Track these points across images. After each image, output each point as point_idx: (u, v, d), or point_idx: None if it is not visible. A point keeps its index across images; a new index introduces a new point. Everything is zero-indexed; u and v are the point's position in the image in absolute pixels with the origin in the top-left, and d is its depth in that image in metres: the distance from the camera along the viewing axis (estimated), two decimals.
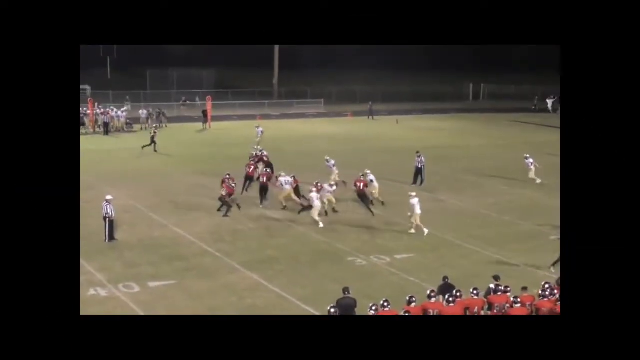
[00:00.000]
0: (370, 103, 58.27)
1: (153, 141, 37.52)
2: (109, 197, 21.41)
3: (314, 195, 23.76)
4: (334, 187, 25.30)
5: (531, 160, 31.39)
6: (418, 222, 22.72)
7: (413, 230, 22.81)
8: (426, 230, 22.61)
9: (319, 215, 23.61)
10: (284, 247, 21.29)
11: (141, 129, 46.95)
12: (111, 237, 21.17)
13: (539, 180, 30.82)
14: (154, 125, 42.17)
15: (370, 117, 56.87)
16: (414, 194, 23.37)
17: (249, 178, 27.54)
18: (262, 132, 40.13)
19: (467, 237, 22.57)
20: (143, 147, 37.48)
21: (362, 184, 25.52)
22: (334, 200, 25.07)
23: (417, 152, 30.71)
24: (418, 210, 22.72)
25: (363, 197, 25.38)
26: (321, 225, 23.15)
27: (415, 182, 29.88)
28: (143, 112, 48.54)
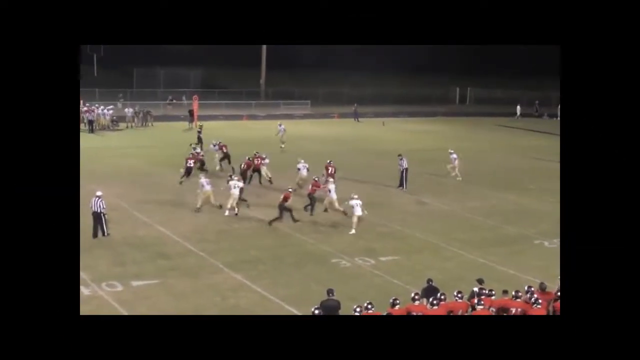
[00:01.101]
0: (355, 105, 58.44)
1: (200, 140, 36.81)
2: (99, 193, 21.35)
3: (330, 185, 24.67)
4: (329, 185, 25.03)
5: (455, 156, 32.19)
6: (355, 220, 23.02)
7: (353, 231, 22.86)
8: (353, 231, 22.89)
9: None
10: (268, 247, 21.28)
11: (127, 127, 46.81)
12: (103, 233, 21.16)
13: (459, 177, 31.72)
14: (199, 125, 40.94)
15: (356, 119, 57.04)
16: (355, 196, 23.29)
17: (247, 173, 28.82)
18: (284, 129, 40.32)
19: (452, 240, 22.65)
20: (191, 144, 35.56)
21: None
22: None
23: (399, 155, 30.68)
24: (359, 212, 23.00)
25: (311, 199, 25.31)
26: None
27: (401, 185, 29.94)
28: (129, 111, 48.37)
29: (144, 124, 48.16)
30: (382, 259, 20.53)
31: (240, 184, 25.32)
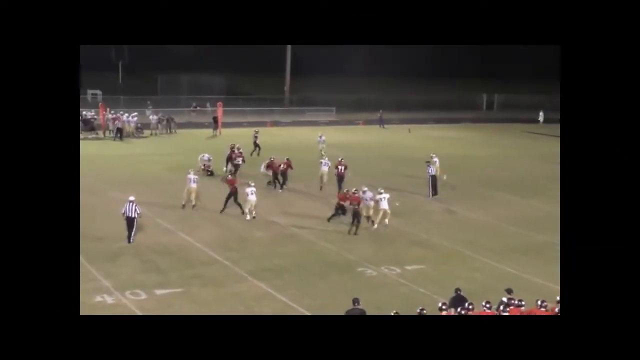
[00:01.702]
0: (380, 111, 58.23)
1: (256, 145, 37.49)
2: (132, 198, 21.50)
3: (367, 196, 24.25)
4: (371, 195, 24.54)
5: (436, 160, 32.43)
6: (385, 219, 23.64)
7: (376, 226, 23.59)
8: (386, 221, 23.75)
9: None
10: (292, 255, 21.13)
11: (151, 134, 46.93)
12: (129, 239, 21.26)
13: (445, 176, 31.62)
14: (255, 130, 41.12)
15: (382, 126, 56.79)
16: (382, 190, 24.24)
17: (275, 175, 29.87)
18: (324, 141, 39.65)
19: (480, 249, 22.35)
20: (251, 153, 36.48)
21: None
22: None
23: (427, 162, 30.67)
24: (385, 205, 23.67)
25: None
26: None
27: (434, 192, 29.51)
28: (153, 118, 48.44)
29: (168, 131, 48.24)
30: (409, 267, 20.27)
31: (254, 190, 25.13)
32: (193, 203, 25.70)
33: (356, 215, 23.41)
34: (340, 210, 24.70)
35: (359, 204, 23.65)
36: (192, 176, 25.86)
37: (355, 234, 23.28)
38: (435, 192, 29.57)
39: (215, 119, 49.63)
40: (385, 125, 56.93)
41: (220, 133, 48.37)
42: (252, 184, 25.55)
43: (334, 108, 62.86)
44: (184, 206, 25.62)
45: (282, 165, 30.20)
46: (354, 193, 24.18)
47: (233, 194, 25.30)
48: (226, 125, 50.07)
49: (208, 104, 59.57)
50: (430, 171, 29.82)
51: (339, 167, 29.65)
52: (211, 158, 33.63)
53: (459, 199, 29.57)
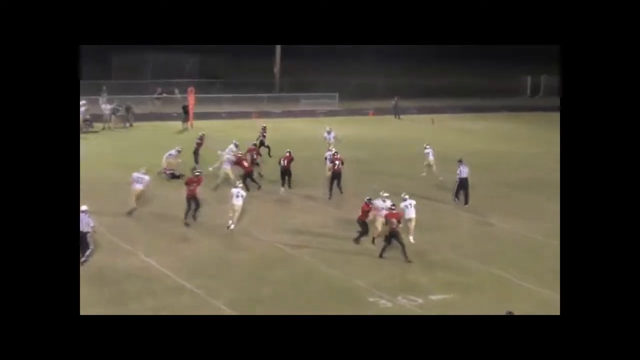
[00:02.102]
0: (395, 99, 58.19)
1: (262, 143, 38.17)
2: (84, 208, 21.48)
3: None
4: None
5: (429, 151, 34.51)
6: (410, 235, 24.02)
7: (411, 238, 24.07)
8: (411, 238, 24.02)
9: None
10: (285, 283, 21.09)
11: (103, 128, 46.75)
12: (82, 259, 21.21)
13: (441, 177, 33.17)
14: (263, 125, 41.50)
15: (397, 116, 56.86)
16: (407, 196, 24.73)
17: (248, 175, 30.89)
18: (334, 137, 39.84)
19: (524, 273, 22.35)
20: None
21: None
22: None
23: (459, 160, 30.60)
24: (411, 214, 24.20)
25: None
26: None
27: (457, 197, 29.90)
28: (106, 107, 48.14)
29: (125, 123, 48.17)
30: (433, 297, 20.28)
31: (244, 193, 25.75)
32: (134, 206, 26.97)
33: (395, 236, 22.92)
34: (362, 228, 24.40)
35: (399, 221, 23.20)
36: (137, 175, 27.20)
37: (408, 260, 22.90)
38: (466, 200, 29.77)
39: (185, 109, 49.52)
40: (402, 116, 57.01)
41: (192, 126, 48.37)
42: (240, 184, 25.81)
43: (336, 94, 62.72)
44: (130, 213, 26.64)
45: (283, 161, 31.45)
46: (369, 202, 24.28)
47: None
48: (199, 116, 50.04)
49: (177, 90, 59.49)
50: (460, 172, 29.94)
51: (335, 162, 30.64)
52: (180, 150, 34.02)
53: (495, 208, 29.58)
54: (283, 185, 31.36)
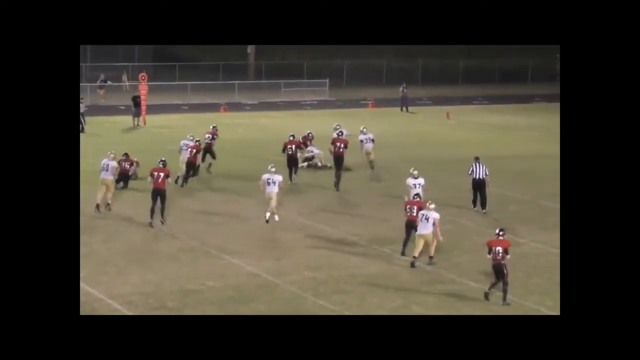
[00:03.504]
0: (403, 86, 55.00)
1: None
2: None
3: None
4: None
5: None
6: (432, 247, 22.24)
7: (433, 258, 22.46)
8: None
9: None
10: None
11: None
12: None
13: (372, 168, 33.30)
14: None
15: (404, 109, 54.25)
16: (432, 205, 22.24)
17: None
18: (371, 138, 35.83)
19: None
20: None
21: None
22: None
23: (476, 158, 28.62)
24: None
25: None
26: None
27: (475, 204, 28.46)
28: None
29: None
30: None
31: (278, 177, 25.38)
32: (108, 201, 26.47)
33: (499, 274, 19.23)
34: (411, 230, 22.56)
35: (506, 252, 19.37)
36: (107, 161, 26.61)
37: (507, 302, 19.60)
38: (483, 204, 28.23)
39: (136, 100, 45.31)
40: (410, 108, 53.86)
41: (144, 122, 44.93)
42: (273, 168, 25.63)
43: (326, 81, 59.51)
44: (97, 206, 26.37)
45: (291, 147, 30.97)
46: (414, 209, 22.49)
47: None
48: (154, 109, 46.41)
49: (125, 77, 57.33)
50: (474, 173, 28.04)
51: (337, 143, 30.73)
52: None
53: (527, 223, 27.17)
54: (290, 176, 30.95)
